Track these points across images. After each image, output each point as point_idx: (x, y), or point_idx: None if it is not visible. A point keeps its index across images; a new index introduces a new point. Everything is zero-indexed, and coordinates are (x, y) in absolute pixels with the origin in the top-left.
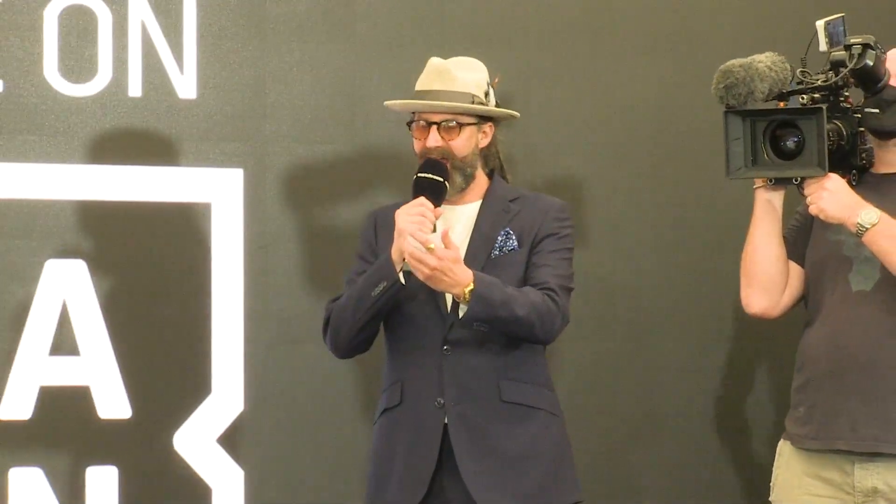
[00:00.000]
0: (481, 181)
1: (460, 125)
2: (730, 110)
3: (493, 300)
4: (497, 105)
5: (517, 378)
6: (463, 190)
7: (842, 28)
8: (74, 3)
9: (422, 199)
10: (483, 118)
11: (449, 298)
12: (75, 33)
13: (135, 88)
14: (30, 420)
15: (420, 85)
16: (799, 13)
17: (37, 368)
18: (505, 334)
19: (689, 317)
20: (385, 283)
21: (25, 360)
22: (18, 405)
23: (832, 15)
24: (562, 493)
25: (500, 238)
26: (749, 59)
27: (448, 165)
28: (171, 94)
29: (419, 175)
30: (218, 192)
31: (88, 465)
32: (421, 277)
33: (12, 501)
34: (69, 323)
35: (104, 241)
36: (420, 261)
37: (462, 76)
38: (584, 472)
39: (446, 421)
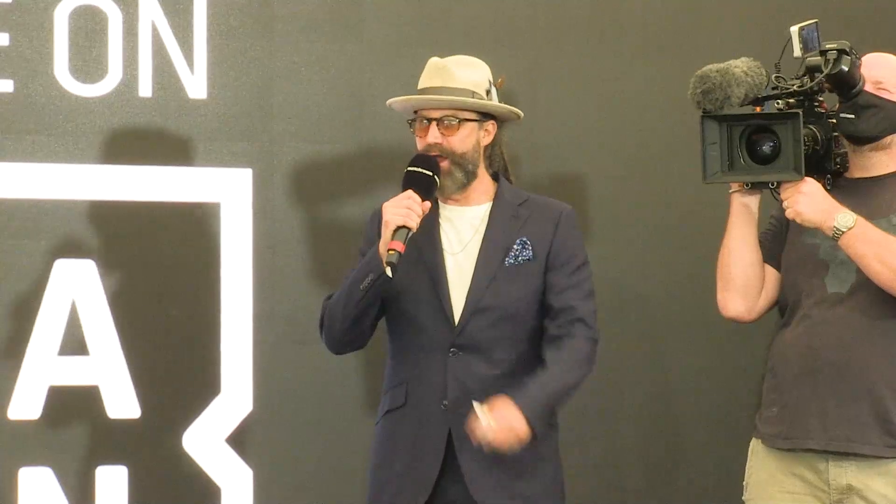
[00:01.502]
0: (486, 182)
1: (459, 121)
2: (706, 115)
3: (550, 410)
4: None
5: (518, 387)
6: (464, 186)
7: (816, 34)
8: (84, 4)
9: (409, 192)
10: (485, 116)
11: (456, 307)
12: (85, 33)
13: (145, 88)
14: (39, 420)
15: (420, 84)
16: (805, 14)
17: (46, 368)
18: (509, 341)
19: (698, 317)
20: (372, 276)
21: (34, 359)
22: (28, 405)
23: (809, 20)
24: (562, 499)
25: (516, 246)
26: (725, 64)
27: (443, 162)
28: (181, 95)
29: (408, 169)
30: (227, 191)
31: (98, 464)
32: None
33: (22, 501)
34: (78, 323)
35: (113, 240)
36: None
37: (461, 73)
38: (590, 472)
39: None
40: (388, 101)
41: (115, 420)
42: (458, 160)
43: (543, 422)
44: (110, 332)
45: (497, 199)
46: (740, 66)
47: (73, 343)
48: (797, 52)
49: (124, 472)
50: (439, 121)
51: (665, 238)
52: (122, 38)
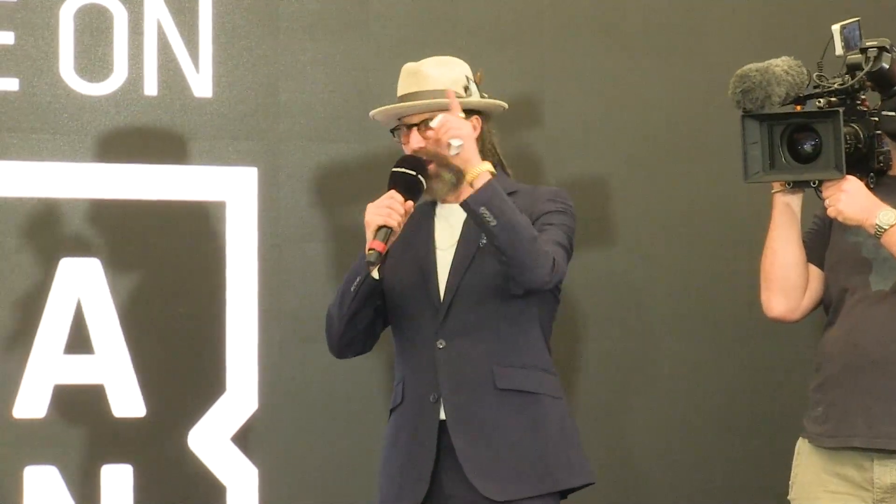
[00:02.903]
0: None
1: None
2: (747, 114)
3: (500, 193)
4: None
5: (512, 364)
6: (455, 186)
7: (857, 32)
8: (90, 2)
9: (391, 192)
10: (467, 112)
11: (443, 296)
12: (91, 32)
13: (150, 87)
14: (44, 418)
15: (398, 91)
16: (816, 15)
17: (51, 367)
18: (498, 320)
19: (704, 317)
20: (360, 277)
21: (40, 358)
22: (33, 404)
23: (850, 18)
24: (570, 475)
25: None
26: (766, 63)
27: (430, 165)
28: (187, 93)
29: (393, 169)
30: (232, 190)
31: (103, 463)
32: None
33: (28, 500)
34: (84, 321)
35: (119, 239)
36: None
37: (435, 74)
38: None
39: (443, 416)
40: (371, 113)
41: (120, 419)
42: (445, 161)
43: (488, 196)
44: (116, 331)
45: None
46: (781, 65)
47: (79, 342)
48: (839, 50)
49: (129, 470)
50: (420, 125)
51: (676, 238)
52: (127, 37)
